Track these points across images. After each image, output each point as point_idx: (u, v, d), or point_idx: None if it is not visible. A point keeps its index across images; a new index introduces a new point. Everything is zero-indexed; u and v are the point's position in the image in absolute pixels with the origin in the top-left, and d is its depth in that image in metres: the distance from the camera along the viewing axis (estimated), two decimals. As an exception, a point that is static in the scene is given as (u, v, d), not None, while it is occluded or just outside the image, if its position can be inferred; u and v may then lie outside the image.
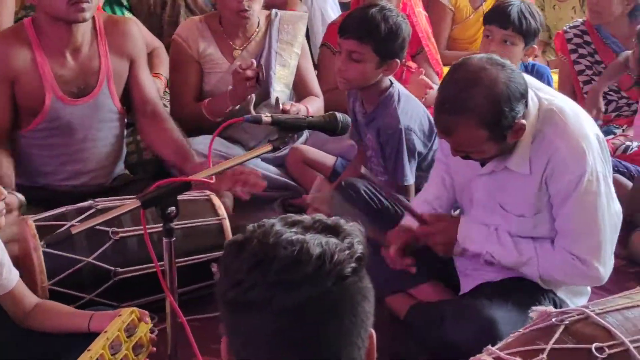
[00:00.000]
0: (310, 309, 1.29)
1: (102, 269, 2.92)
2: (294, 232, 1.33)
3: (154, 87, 3.50)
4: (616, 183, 3.85)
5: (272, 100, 3.83)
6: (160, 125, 3.40)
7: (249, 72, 3.57)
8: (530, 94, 2.58)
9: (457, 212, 3.03)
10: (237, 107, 3.69)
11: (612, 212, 2.65)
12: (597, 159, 2.59)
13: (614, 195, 2.68)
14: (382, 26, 3.16)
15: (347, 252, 1.32)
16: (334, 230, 1.36)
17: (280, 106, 3.76)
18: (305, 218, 1.39)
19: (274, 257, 1.29)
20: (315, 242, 1.31)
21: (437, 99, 2.60)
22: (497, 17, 3.73)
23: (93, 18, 3.21)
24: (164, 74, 4.15)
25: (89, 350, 2.33)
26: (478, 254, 2.76)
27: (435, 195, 2.98)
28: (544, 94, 2.65)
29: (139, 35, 3.43)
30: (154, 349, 2.52)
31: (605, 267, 2.67)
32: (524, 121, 2.51)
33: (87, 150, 3.35)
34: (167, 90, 4.17)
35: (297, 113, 3.72)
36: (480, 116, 2.46)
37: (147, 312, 2.58)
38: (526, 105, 2.53)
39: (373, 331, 1.39)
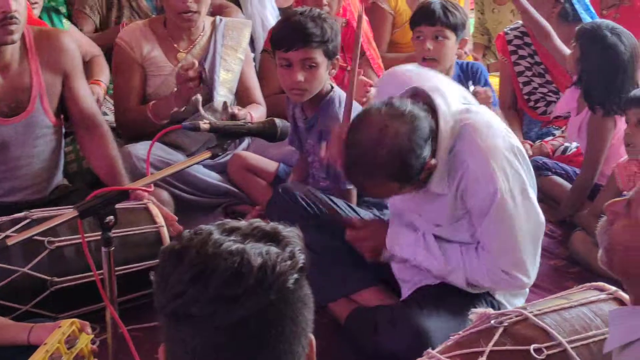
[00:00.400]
0: (251, 322, 1.29)
1: (38, 279, 2.87)
2: (232, 241, 1.32)
3: (92, 99, 3.44)
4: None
5: (216, 104, 3.82)
6: (97, 139, 3.35)
7: (191, 73, 3.56)
8: (443, 110, 2.55)
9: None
10: (183, 108, 3.67)
11: (531, 224, 2.65)
12: (509, 175, 2.56)
13: (535, 204, 2.67)
14: (325, 27, 3.18)
15: (289, 262, 1.31)
16: (274, 238, 1.35)
17: (229, 110, 3.74)
18: (243, 224, 1.37)
19: (214, 269, 1.28)
20: (256, 252, 1.29)
21: (344, 160, 2.60)
22: (423, 17, 3.77)
23: (22, 33, 3.14)
24: (103, 81, 4.14)
25: None
26: (406, 260, 2.81)
27: None
28: (461, 113, 2.62)
29: (74, 48, 3.34)
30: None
31: (529, 275, 2.69)
32: (434, 161, 2.52)
33: (23, 167, 3.30)
34: (106, 97, 4.14)
35: (245, 117, 3.72)
36: (388, 173, 2.49)
37: (87, 323, 2.55)
38: (434, 139, 2.52)
39: (312, 337, 1.39)
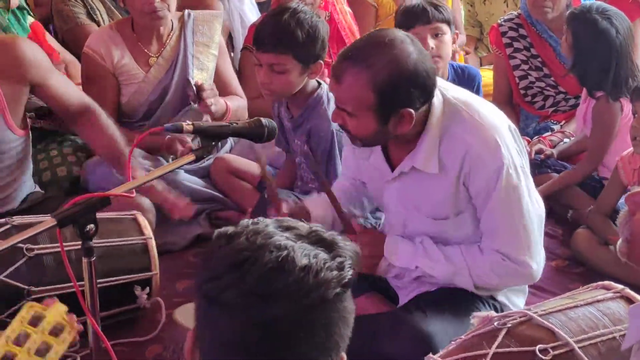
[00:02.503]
0: (283, 325, 1.31)
1: (14, 288, 2.86)
2: (285, 237, 1.34)
3: (74, 89, 3.42)
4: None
5: (194, 106, 3.83)
6: (92, 127, 3.35)
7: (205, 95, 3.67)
8: (436, 92, 2.61)
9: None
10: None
11: (534, 203, 2.69)
12: (512, 151, 2.62)
13: (533, 186, 2.72)
14: (299, 32, 3.19)
15: (335, 272, 1.32)
16: (328, 245, 1.36)
17: (196, 83, 3.75)
18: (303, 225, 1.40)
19: (256, 260, 1.30)
20: (303, 253, 1.32)
21: (348, 46, 2.65)
22: (417, 17, 3.77)
23: None
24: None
25: None
26: (405, 270, 2.81)
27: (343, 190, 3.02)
28: (450, 92, 2.68)
29: (34, 54, 3.26)
30: (80, 327, 2.42)
31: (537, 261, 2.70)
32: (412, 112, 2.52)
33: None
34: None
35: (215, 98, 3.74)
36: (375, 76, 2.49)
37: (55, 299, 2.50)
38: (424, 103, 2.56)
39: (344, 355, 1.40)
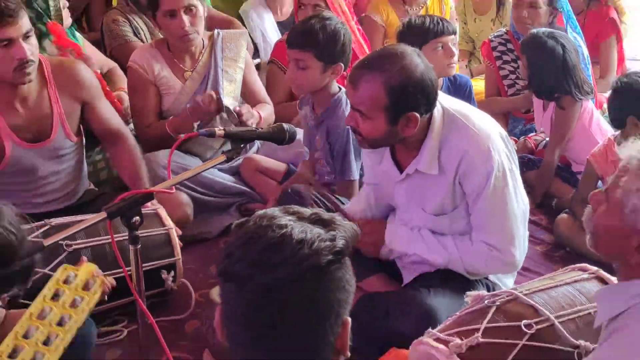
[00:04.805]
0: (284, 290, 1.33)
1: (56, 280, 2.87)
2: (287, 219, 1.38)
3: (115, 116, 3.43)
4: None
5: (224, 113, 3.84)
6: (122, 152, 3.35)
7: (213, 106, 3.62)
8: (437, 105, 2.63)
9: None
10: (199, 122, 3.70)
11: (519, 201, 2.70)
12: (502, 155, 2.63)
13: (521, 186, 2.73)
14: (321, 34, 3.20)
15: (327, 242, 1.34)
16: (327, 223, 1.39)
17: (234, 111, 3.72)
18: (306, 210, 1.43)
19: (260, 237, 1.35)
20: (300, 229, 1.35)
21: (363, 57, 2.68)
22: (439, 29, 3.74)
23: (40, 64, 3.14)
24: (126, 86, 4.12)
25: (28, 311, 2.31)
26: (405, 254, 2.82)
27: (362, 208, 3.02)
28: (449, 104, 2.69)
29: (89, 77, 3.32)
30: (107, 283, 2.47)
31: (520, 251, 2.72)
32: (417, 115, 2.53)
33: (51, 183, 3.31)
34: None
35: (251, 117, 3.71)
36: (388, 81, 2.50)
37: (84, 258, 2.55)
38: (428, 109, 2.58)
39: (348, 318, 1.41)
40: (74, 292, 2.41)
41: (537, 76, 3.92)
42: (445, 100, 2.69)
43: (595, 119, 3.98)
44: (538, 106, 4.15)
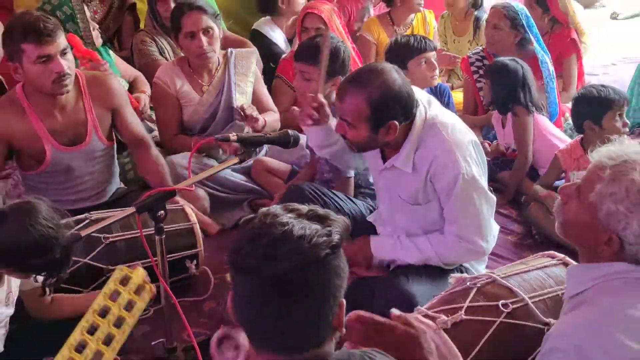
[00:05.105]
0: (287, 280, 1.33)
1: (96, 268, 2.85)
2: (288, 217, 1.38)
3: (140, 125, 3.42)
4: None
5: (238, 123, 3.81)
6: (146, 157, 3.33)
7: (255, 114, 3.67)
8: (421, 110, 2.62)
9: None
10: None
11: (487, 200, 2.68)
12: (470, 162, 2.61)
13: (486, 186, 2.69)
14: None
15: (324, 238, 1.34)
16: (322, 219, 1.39)
17: (245, 111, 3.71)
18: (303, 207, 1.42)
19: (266, 233, 1.35)
20: (300, 226, 1.35)
21: (349, 74, 2.69)
22: (422, 46, 3.73)
23: (77, 78, 3.14)
24: (147, 90, 4.14)
25: (92, 307, 2.28)
26: (393, 261, 2.81)
27: None
28: (432, 111, 2.67)
29: (118, 87, 3.34)
30: (154, 287, 2.45)
31: (488, 241, 2.71)
32: (397, 124, 2.53)
33: (86, 182, 3.30)
34: (152, 105, 4.12)
35: (255, 116, 3.70)
36: (370, 95, 2.50)
37: (138, 263, 2.53)
38: (405, 119, 2.57)
39: (344, 300, 1.41)
40: (128, 294, 2.37)
41: (497, 92, 3.95)
42: (433, 109, 2.67)
43: (554, 131, 4.02)
44: (498, 125, 4.17)
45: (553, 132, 4.02)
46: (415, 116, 2.60)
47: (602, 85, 3.62)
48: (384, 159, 2.76)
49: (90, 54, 3.83)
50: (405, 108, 2.54)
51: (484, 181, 2.68)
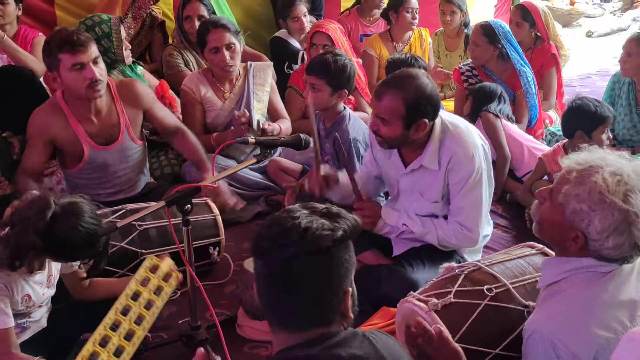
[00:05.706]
0: (294, 265, 1.36)
1: (131, 251, 2.87)
2: (303, 213, 1.41)
3: (170, 115, 3.46)
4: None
5: (254, 125, 3.84)
6: (182, 140, 3.38)
7: (243, 119, 3.63)
8: (438, 118, 2.67)
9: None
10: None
11: (488, 195, 2.75)
12: (482, 161, 2.68)
13: (492, 181, 2.77)
14: (332, 66, 3.24)
15: (327, 232, 1.37)
16: (333, 216, 1.41)
17: (261, 126, 3.77)
18: (320, 205, 1.45)
19: (278, 223, 1.40)
20: (308, 220, 1.38)
21: (386, 77, 2.72)
22: (411, 63, 3.91)
23: (109, 85, 3.18)
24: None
25: (125, 292, 2.30)
26: (394, 227, 2.81)
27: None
28: (446, 117, 2.74)
29: (146, 89, 3.37)
30: (180, 275, 2.47)
31: (482, 230, 2.75)
32: (427, 121, 2.58)
33: (120, 177, 3.33)
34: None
35: (273, 130, 3.74)
36: (406, 95, 2.55)
37: (166, 252, 2.53)
38: (433, 118, 2.62)
39: (350, 289, 1.43)
40: (157, 280, 2.40)
41: (480, 105, 4.01)
42: (444, 115, 2.74)
43: (523, 134, 4.05)
44: (480, 131, 4.16)
45: (522, 135, 4.02)
46: (437, 118, 2.65)
47: (597, 101, 3.58)
48: (404, 162, 2.79)
49: (171, 99, 3.97)
50: (434, 108, 2.60)
51: (491, 178, 2.75)
